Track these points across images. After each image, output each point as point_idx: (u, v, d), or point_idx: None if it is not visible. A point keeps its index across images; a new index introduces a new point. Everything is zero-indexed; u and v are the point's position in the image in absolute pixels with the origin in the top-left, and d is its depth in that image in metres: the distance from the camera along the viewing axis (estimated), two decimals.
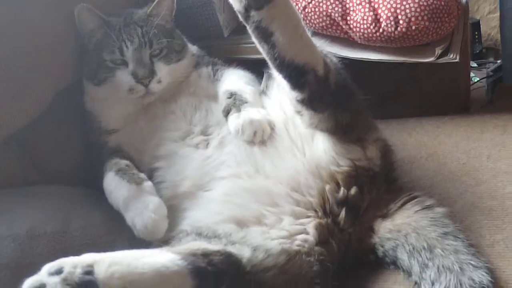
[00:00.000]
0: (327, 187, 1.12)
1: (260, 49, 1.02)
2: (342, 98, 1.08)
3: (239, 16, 0.99)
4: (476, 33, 2.59)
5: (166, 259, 0.88)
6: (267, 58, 1.02)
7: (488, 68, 2.48)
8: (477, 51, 2.62)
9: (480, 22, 2.65)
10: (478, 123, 1.50)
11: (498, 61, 2.57)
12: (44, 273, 0.82)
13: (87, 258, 0.85)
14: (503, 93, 2.03)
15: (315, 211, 1.12)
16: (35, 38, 1.32)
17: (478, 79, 2.37)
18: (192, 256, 0.90)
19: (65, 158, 1.39)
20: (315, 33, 1.57)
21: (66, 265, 0.82)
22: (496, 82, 2.27)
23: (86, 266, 0.83)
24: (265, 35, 0.98)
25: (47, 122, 1.37)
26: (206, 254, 0.92)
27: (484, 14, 2.73)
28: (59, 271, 0.81)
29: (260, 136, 1.18)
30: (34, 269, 1.04)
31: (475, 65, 2.57)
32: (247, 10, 0.96)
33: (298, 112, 1.11)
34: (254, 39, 1.00)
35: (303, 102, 1.05)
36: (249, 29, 0.99)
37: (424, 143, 1.44)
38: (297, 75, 1.01)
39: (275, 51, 0.98)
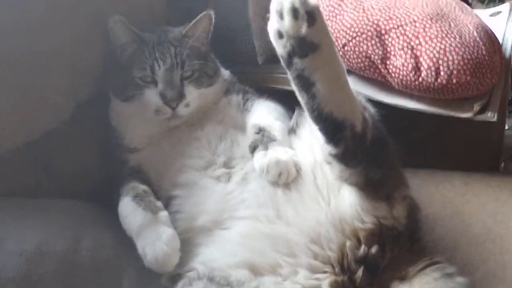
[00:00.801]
0: (348, 243, 1.08)
1: (299, 98, 0.98)
2: (376, 154, 1.04)
3: (281, 61, 0.95)
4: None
5: None
6: (305, 108, 0.98)
7: None
8: (510, 98, 2.57)
9: None
10: (509, 184, 1.43)
11: None
12: None
13: None
14: None
15: (332, 266, 1.08)
16: (57, 44, 1.29)
17: (507, 127, 2.33)
18: None
19: (81, 172, 1.36)
20: (352, 73, 1.53)
21: None
22: None
23: None
24: (306, 85, 0.94)
25: (65, 133, 1.34)
26: None
27: None
28: None
29: (285, 178, 1.15)
30: (40, 286, 1.04)
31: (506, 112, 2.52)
32: (290, 56, 0.92)
33: (328, 163, 1.07)
34: (293, 87, 0.96)
35: (336, 156, 1.01)
36: (290, 77, 0.95)
37: (450, 200, 1.38)
38: (334, 130, 0.97)
39: (314, 103, 0.95)
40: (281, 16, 0.91)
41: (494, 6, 2.52)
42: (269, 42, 0.96)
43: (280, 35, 0.92)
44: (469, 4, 2.87)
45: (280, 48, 0.93)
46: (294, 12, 0.89)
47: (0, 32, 1.18)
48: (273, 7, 0.92)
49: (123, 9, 1.39)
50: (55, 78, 1.29)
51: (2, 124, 1.19)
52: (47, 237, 1.11)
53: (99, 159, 1.40)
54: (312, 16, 0.90)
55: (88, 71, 1.38)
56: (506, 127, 2.34)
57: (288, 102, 1.27)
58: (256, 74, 1.58)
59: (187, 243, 1.15)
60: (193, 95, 1.30)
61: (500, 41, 1.58)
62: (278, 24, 0.92)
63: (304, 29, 0.90)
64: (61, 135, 1.33)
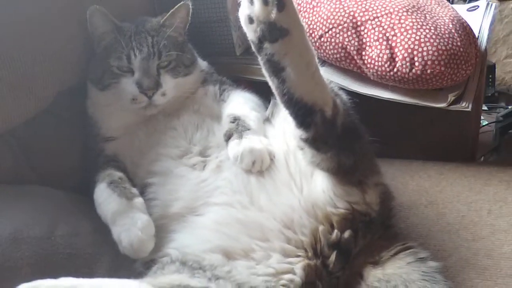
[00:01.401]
0: (321, 227, 1.09)
1: (270, 83, 0.98)
2: (347, 140, 1.05)
3: (252, 46, 0.96)
4: (490, 76, 2.58)
5: None
6: (275, 93, 0.99)
7: (499, 112, 2.46)
8: (489, 94, 2.60)
9: (496, 65, 2.63)
10: (483, 174, 1.46)
11: (510, 107, 2.56)
12: None
13: (64, 282, 0.82)
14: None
15: (305, 251, 1.09)
16: (44, 37, 1.29)
17: (486, 122, 2.36)
18: None
19: (60, 160, 1.37)
20: (328, 64, 1.54)
21: None
22: (505, 128, 2.26)
23: None
24: (276, 70, 0.94)
25: (47, 122, 1.35)
26: None
27: (500, 58, 2.72)
28: None
29: (259, 167, 1.16)
30: (14, 272, 1.04)
31: (485, 108, 2.55)
32: (260, 41, 0.93)
33: (301, 149, 1.08)
34: (264, 72, 0.97)
35: (306, 141, 1.02)
36: (260, 61, 0.96)
37: (426, 189, 1.40)
38: (304, 114, 0.98)
39: (284, 87, 0.95)
40: (251, 1, 0.91)
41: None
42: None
43: (250, 20, 0.93)
44: (451, 1, 2.91)
45: (250, 33, 0.94)
46: None
47: None
48: None
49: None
50: (37, 66, 1.29)
51: None
52: (23, 224, 1.12)
53: (79, 148, 1.41)
54: (282, 1, 0.90)
55: (68, 60, 1.38)
56: (486, 123, 2.37)
57: (265, 93, 1.28)
58: (234, 65, 1.60)
59: (162, 230, 1.15)
60: (170, 85, 1.31)
61: (476, 34, 1.60)
62: (248, 10, 0.92)
63: (274, 14, 0.90)
64: (42, 123, 1.33)
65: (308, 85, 0.97)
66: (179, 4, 1.35)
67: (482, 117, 2.40)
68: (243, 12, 0.93)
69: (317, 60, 0.99)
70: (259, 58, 0.96)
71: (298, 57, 0.94)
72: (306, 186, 1.13)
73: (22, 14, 1.25)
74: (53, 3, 1.33)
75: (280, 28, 0.91)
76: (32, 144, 1.33)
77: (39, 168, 1.33)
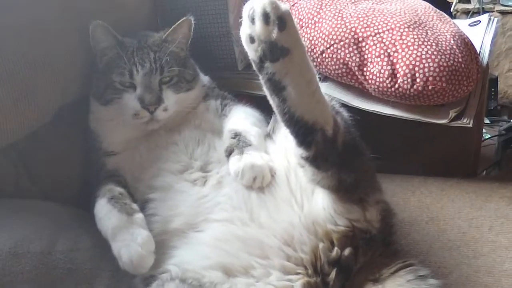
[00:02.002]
0: (321, 245, 1.09)
1: (270, 101, 0.99)
2: (348, 158, 1.05)
3: (253, 65, 0.96)
4: (493, 89, 2.58)
5: None
6: (276, 111, 0.99)
7: (501, 126, 2.46)
8: (492, 108, 2.60)
9: (498, 78, 2.64)
10: (484, 190, 1.46)
11: None
12: None
13: None
14: None
15: (305, 268, 1.09)
16: (45, 49, 1.30)
17: (489, 136, 2.36)
18: None
19: (61, 174, 1.37)
20: (329, 79, 1.54)
21: None
22: (507, 141, 2.26)
23: None
24: (277, 89, 0.95)
25: (48, 135, 1.35)
26: None
27: (503, 71, 2.72)
28: None
29: (260, 183, 1.16)
30: (13, 287, 1.04)
31: (487, 121, 2.55)
32: (261, 60, 0.93)
33: (301, 166, 1.08)
34: (265, 91, 0.98)
35: (307, 159, 1.02)
36: (261, 80, 0.96)
37: (427, 205, 1.40)
38: (305, 133, 0.98)
39: (285, 106, 0.96)
40: (252, 21, 0.92)
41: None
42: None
43: (251, 39, 0.93)
44: (454, 16, 2.92)
45: (251, 52, 0.95)
46: (265, 17, 0.90)
47: None
48: (245, 12, 0.93)
49: (107, 13, 1.42)
50: (41, 81, 1.30)
51: None
52: (23, 238, 1.12)
53: (80, 162, 1.41)
54: (283, 21, 0.90)
55: (74, 77, 1.39)
56: (488, 136, 2.36)
57: (267, 108, 1.28)
58: (236, 80, 1.60)
59: (162, 246, 1.15)
60: (172, 100, 1.31)
61: (478, 50, 1.60)
62: (249, 29, 0.93)
63: (275, 34, 0.90)
64: (43, 137, 1.34)
65: (309, 104, 0.97)
66: (181, 20, 1.36)
67: (484, 131, 2.40)
68: (244, 32, 0.94)
69: (318, 79, 0.99)
70: (260, 77, 0.96)
71: (299, 76, 0.94)
72: (307, 203, 1.13)
73: (21, 25, 1.26)
74: (55, 24, 1.34)
75: (281, 47, 0.91)
76: (33, 158, 1.33)
77: (39, 181, 1.34)
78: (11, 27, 1.24)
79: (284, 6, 0.92)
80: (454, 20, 1.68)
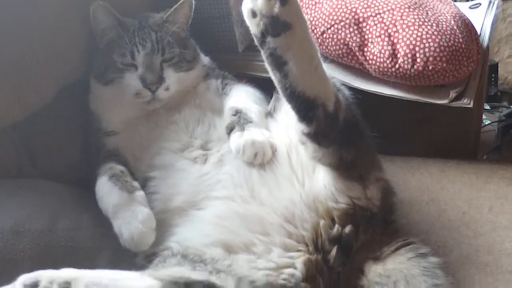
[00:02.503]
0: (322, 222, 1.10)
1: (272, 77, 0.99)
2: (349, 135, 1.05)
3: (255, 40, 0.96)
4: (493, 75, 2.58)
5: (146, 285, 0.85)
6: (278, 87, 0.99)
7: (501, 112, 2.46)
8: (492, 94, 2.60)
9: (499, 64, 2.63)
10: (484, 171, 1.46)
11: None
12: (19, 285, 0.80)
13: (65, 274, 0.83)
14: None
15: (306, 245, 1.09)
16: (43, 32, 1.30)
17: (489, 122, 2.36)
18: (174, 285, 0.87)
19: (62, 155, 1.37)
20: (330, 60, 1.54)
21: (43, 279, 0.80)
22: (507, 127, 2.26)
23: (63, 283, 0.81)
24: (279, 64, 0.95)
25: (49, 117, 1.35)
26: (188, 284, 0.89)
27: (503, 57, 2.72)
28: (34, 285, 0.80)
29: (261, 159, 1.16)
30: (15, 265, 1.05)
31: (488, 107, 2.55)
32: (263, 35, 0.93)
33: (303, 143, 1.08)
34: (267, 66, 0.98)
35: (308, 135, 1.02)
36: (263, 55, 0.96)
37: (427, 186, 1.40)
38: (306, 108, 0.98)
39: (286, 81, 0.96)
40: None
41: None
42: (249, 31, 0.97)
43: (253, 14, 0.93)
44: (454, 0, 2.91)
45: (253, 27, 0.94)
46: None
47: None
48: None
49: None
50: (39, 61, 1.30)
51: None
52: (24, 216, 1.12)
53: (80, 143, 1.41)
54: None
55: (70, 56, 1.38)
56: (488, 122, 2.37)
57: (267, 89, 1.29)
58: (236, 62, 1.60)
59: (163, 223, 1.16)
60: (172, 79, 1.31)
61: (478, 32, 1.60)
62: (251, 4, 0.93)
63: (276, 8, 0.90)
64: (44, 118, 1.34)
65: (311, 79, 0.97)
66: (182, 0, 1.35)
67: (484, 117, 2.40)
68: (246, 6, 0.94)
69: (319, 55, 0.99)
70: (262, 52, 0.96)
71: (301, 51, 0.94)
72: (308, 181, 1.13)
73: (24, 15, 1.26)
74: (55, 5, 1.34)
75: (283, 22, 0.91)
76: (34, 139, 1.34)
77: (40, 163, 1.34)
78: (13, 18, 1.24)
79: None
80: (455, 3, 1.68)
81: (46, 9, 1.32)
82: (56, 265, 1.05)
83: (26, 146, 1.32)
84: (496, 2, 1.83)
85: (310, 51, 0.96)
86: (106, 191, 1.17)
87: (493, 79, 2.59)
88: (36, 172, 1.33)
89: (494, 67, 2.58)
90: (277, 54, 0.94)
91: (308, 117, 0.99)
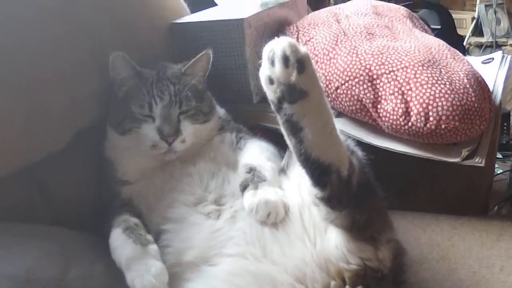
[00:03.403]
0: (333, 283, 1.10)
1: (288, 142, 1.00)
2: (362, 198, 1.06)
3: (272, 106, 0.98)
4: (505, 124, 2.58)
5: None
6: (293, 152, 1.01)
7: None
8: (504, 142, 2.60)
9: (511, 113, 2.64)
10: (496, 229, 1.46)
11: None
12: None
13: None
14: None
15: None
16: (62, 83, 1.34)
17: (501, 171, 2.35)
18: None
19: (75, 201, 1.39)
20: (343, 115, 1.56)
21: None
22: None
23: None
24: (295, 130, 0.97)
25: (63, 162, 1.37)
26: None
27: None
28: None
29: (273, 219, 1.17)
30: None
31: (500, 156, 2.55)
32: (280, 101, 0.95)
33: (316, 205, 1.10)
34: (282, 131, 0.99)
35: (322, 199, 1.04)
36: (279, 120, 0.98)
37: (437, 243, 1.41)
38: (320, 174, 1.00)
39: (302, 147, 0.97)
40: (272, 63, 0.94)
41: (490, 51, 2.58)
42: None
43: (271, 81, 0.95)
44: (467, 49, 2.94)
45: (270, 93, 0.97)
46: (285, 60, 0.92)
47: (4, 58, 1.24)
48: (265, 54, 0.95)
49: (123, 42, 1.46)
50: (57, 104, 1.33)
51: (3, 146, 1.23)
52: (36, 264, 1.13)
53: (94, 187, 1.43)
54: (302, 64, 0.93)
55: (87, 102, 1.42)
56: (500, 171, 2.36)
57: (281, 141, 1.30)
58: (251, 113, 1.62)
59: (175, 278, 1.16)
60: (189, 131, 1.33)
61: (491, 88, 1.62)
62: (269, 71, 0.95)
63: (294, 76, 0.92)
64: (59, 160, 1.36)
65: (325, 145, 0.98)
66: (201, 54, 1.38)
67: (496, 166, 2.39)
68: (264, 73, 0.96)
69: (334, 119, 1.01)
70: (278, 118, 0.98)
71: (316, 118, 0.96)
72: (320, 241, 1.13)
73: (43, 66, 1.31)
74: (74, 53, 1.39)
75: (300, 89, 0.93)
76: (48, 182, 1.36)
77: (54, 207, 1.35)
78: (30, 65, 1.29)
79: (303, 49, 0.94)
80: (467, 57, 1.70)
81: (64, 55, 1.36)
82: None
83: (40, 190, 1.34)
84: (509, 57, 1.85)
85: (325, 117, 0.98)
86: (120, 243, 1.18)
87: (505, 127, 2.59)
88: (49, 217, 1.34)
89: (506, 116, 2.59)
90: (293, 120, 0.96)
91: (322, 182, 1.01)
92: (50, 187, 1.36)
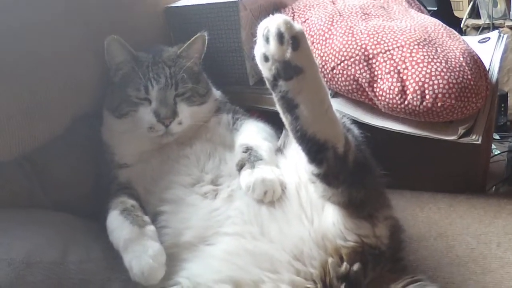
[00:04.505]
0: (330, 260, 1.10)
1: (283, 119, 1.00)
2: (359, 175, 1.06)
3: (267, 83, 0.98)
4: (503, 105, 2.59)
5: None
6: (288, 129, 1.01)
7: (511, 142, 2.47)
8: (501, 123, 2.61)
9: (508, 94, 2.64)
10: (493, 206, 1.47)
11: None
12: None
13: None
14: None
15: (315, 282, 1.10)
16: (57, 63, 1.34)
17: (498, 152, 2.36)
18: None
19: (74, 186, 1.39)
20: (340, 95, 1.56)
21: None
22: None
23: None
24: (290, 106, 0.96)
25: (62, 148, 1.37)
26: None
27: None
28: None
29: (270, 197, 1.17)
30: None
31: (497, 137, 2.55)
32: (275, 78, 0.95)
33: (312, 182, 1.10)
34: (278, 108, 0.99)
35: (318, 176, 1.04)
36: (275, 98, 0.98)
37: (435, 221, 1.41)
38: (316, 151, 1.00)
39: (297, 124, 0.97)
40: (267, 40, 0.94)
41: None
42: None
43: (266, 58, 0.95)
44: (464, 31, 2.93)
45: (265, 71, 0.96)
46: (280, 37, 0.92)
47: None
48: (260, 32, 0.95)
49: (119, 27, 1.46)
50: (52, 92, 1.33)
51: (3, 133, 1.24)
52: (36, 248, 1.13)
53: (92, 174, 1.43)
54: (297, 40, 0.92)
55: (84, 87, 1.42)
56: (498, 152, 2.37)
57: (277, 123, 1.30)
58: (247, 95, 1.62)
59: (173, 258, 1.16)
60: (186, 113, 1.34)
61: (487, 66, 1.61)
62: (264, 48, 0.95)
63: (289, 53, 0.92)
64: (56, 149, 1.36)
65: (321, 122, 0.98)
66: (196, 36, 1.38)
67: (494, 147, 2.40)
68: (259, 50, 0.96)
69: (330, 97, 1.01)
70: (274, 95, 0.98)
71: (312, 95, 0.96)
72: (317, 218, 1.14)
73: (38, 47, 1.31)
74: (69, 37, 1.38)
75: (295, 66, 0.93)
76: (46, 169, 1.35)
77: (52, 193, 1.35)
78: (27, 46, 1.28)
79: (298, 26, 0.94)
80: (464, 37, 1.69)
81: (60, 40, 1.36)
82: None
83: (38, 176, 1.34)
84: (505, 36, 1.84)
85: (321, 94, 0.98)
86: (117, 225, 1.18)
87: (502, 109, 2.60)
88: (48, 202, 1.34)
89: (504, 97, 2.60)
90: (288, 97, 0.96)
91: (318, 159, 1.01)
92: (49, 173, 1.36)
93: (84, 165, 1.42)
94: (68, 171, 1.38)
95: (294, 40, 0.92)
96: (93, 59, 1.41)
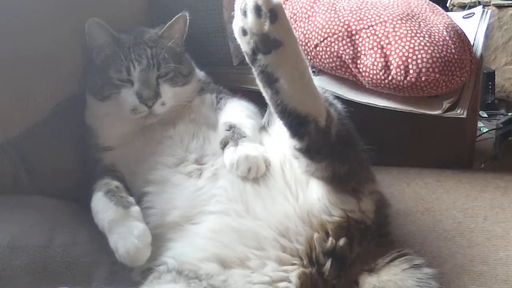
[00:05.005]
0: (316, 235, 1.10)
1: (264, 93, 1.00)
2: (342, 149, 1.06)
3: (246, 57, 0.97)
4: (490, 83, 2.59)
5: None
6: (269, 103, 1.00)
7: (498, 120, 2.47)
8: (489, 101, 2.61)
9: (495, 72, 2.64)
10: (480, 181, 1.47)
11: (510, 114, 2.57)
12: None
13: None
14: (510, 149, 2.02)
15: (301, 258, 1.10)
16: (38, 45, 1.31)
17: (486, 130, 2.37)
18: None
19: (58, 169, 1.37)
20: (324, 73, 1.55)
21: None
22: (505, 135, 2.27)
23: None
24: (270, 81, 0.96)
25: (46, 132, 1.36)
26: None
27: (500, 65, 2.73)
28: None
29: (254, 173, 1.17)
30: (13, 281, 1.06)
31: (485, 115, 2.56)
32: (254, 52, 0.95)
33: (296, 158, 1.09)
34: (258, 83, 0.99)
35: (301, 150, 1.03)
36: (254, 72, 0.98)
37: (422, 196, 1.41)
38: (298, 124, 0.99)
39: (278, 98, 0.97)
40: (244, 14, 0.93)
41: None
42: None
43: (244, 32, 0.94)
44: (450, 9, 2.93)
45: (244, 44, 0.96)
46: (257, 9, 0.91)
47: None
48: (237, 6, 0.94)
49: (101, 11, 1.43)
50: (36, 77, 1.31)
51: None
52: (21, 232, 1.13)
53: (77, 158, 1.42)
54: (275, 13, 0.92)
55: (68, 72, 1.40)
56: (486, 130, 2.37)
57: (262, 103, 1.29)
58: (231, 75, 1.61)
59: (159, 238, 1.16)
60: (169, 94, 1.32)
61: (472, 41, 1.61)
62: (242, 22, 0.94)
63: (266, 26, 0.92)
64: (41, 132, 1.35)
65: (302, 95, 0.98)
66: (177, 16, 1.37)
67: (482, 124, 2.41)
68: (237, 24, 0.95)
69: (310, 71, 1.00)
70: (253, 70, 0.98)
71: (292, 68, 0.95)
72: (302, 194, 1.14)
73: (5, 18, 1.27)
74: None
75: (273, 39, 0.93)
76: (31, 154, 1.34)
77: (37, 177, 1.34)
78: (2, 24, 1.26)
79: None
80: (449, 13, 1.69)
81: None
82: (53, 281, 1.07)
83: (23, 161, 1.32)
84: (489, 12, 1.84)
85: (301, 68, 0.97)
86: (102, 206, 1.18)
87: (490, 87, 2.60)
88: (33, 187, 1.33)
89: (491, 75, 2.60)
90: (268, 71, 0.95)
91: (300, 133, 1.00)
92: (33, 160, 1.34)
93: (68, 150, 1.41)
94: (53, 155, 1.37)
95: (272, 12, 0.91)
96: (72, 42, 1.39)
